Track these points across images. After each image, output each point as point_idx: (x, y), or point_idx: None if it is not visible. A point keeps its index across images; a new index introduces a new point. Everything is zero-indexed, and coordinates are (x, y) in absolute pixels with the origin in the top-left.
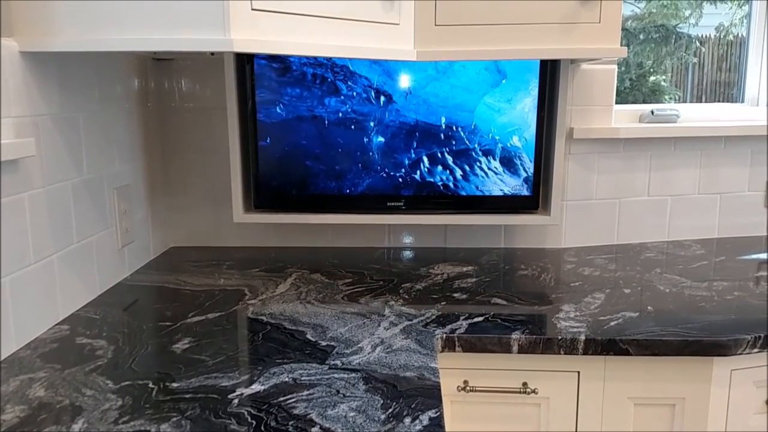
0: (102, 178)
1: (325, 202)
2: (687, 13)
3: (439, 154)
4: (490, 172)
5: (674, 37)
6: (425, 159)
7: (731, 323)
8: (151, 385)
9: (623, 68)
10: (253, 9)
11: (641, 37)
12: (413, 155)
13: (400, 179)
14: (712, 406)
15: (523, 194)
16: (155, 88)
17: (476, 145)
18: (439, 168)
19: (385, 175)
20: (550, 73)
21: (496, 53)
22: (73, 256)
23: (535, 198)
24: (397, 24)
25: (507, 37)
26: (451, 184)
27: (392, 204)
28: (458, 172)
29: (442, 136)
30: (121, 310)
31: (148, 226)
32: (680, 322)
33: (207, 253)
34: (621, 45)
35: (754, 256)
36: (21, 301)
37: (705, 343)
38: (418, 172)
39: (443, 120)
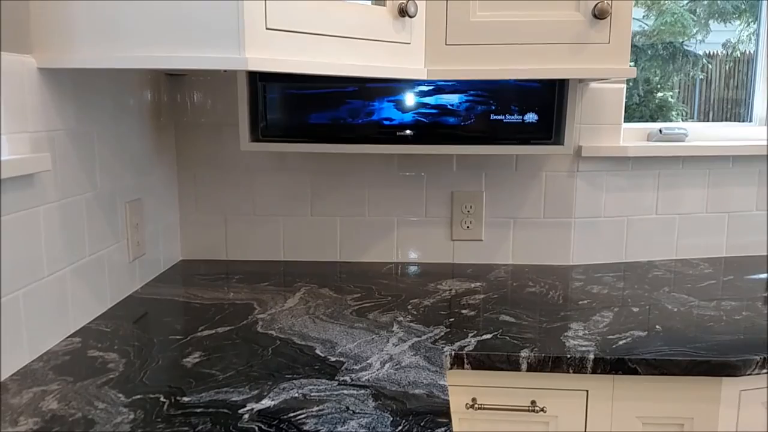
0: (114, 192)
1: (325, 131)
2: (695, 29)
3: None
4: None
5: (681, 54)
6: None
7: (740, 343)
8: (162, 399)
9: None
10: (267, 28)
11: (649, 53)
12: None
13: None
14: (720, 426)
15: (533, 121)
16: (168, 103)
17: None
18: None
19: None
20: (558, 90)
21: (507, 72)
22: (85, 269)
23: (547, 127)
24: (408, 43)
25: (517, 56)
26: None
27: (400, 134)
28: None
29: None
30: (132, 323)
31: (159, 239)
32: (688, 342)
33: (216, 267)
34: (630, 64)
35: (762, 276)
36: (34, 313)
37: (714, 363)
38: None
39: None
